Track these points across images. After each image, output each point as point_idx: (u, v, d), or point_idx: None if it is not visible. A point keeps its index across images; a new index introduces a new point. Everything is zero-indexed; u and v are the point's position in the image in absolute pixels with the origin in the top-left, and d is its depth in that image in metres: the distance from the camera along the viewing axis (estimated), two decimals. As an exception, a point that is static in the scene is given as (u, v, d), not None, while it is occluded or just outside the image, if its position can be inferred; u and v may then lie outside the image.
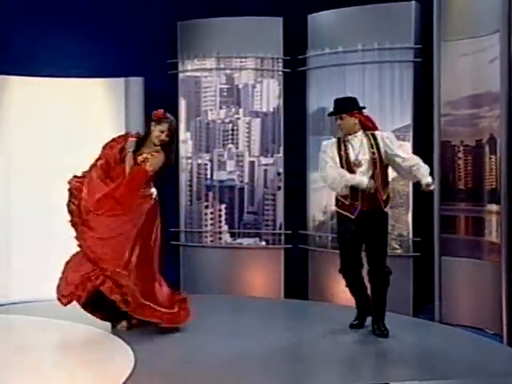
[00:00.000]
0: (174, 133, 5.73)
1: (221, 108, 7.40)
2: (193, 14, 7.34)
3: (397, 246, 6.73)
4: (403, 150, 5.70)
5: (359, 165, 5.50)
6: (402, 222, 6.70)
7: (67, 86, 7.11)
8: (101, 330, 5.61)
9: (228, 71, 7.39)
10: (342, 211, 5.57)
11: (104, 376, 4.77)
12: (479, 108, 6.05)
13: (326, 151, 5.60)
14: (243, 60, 7.35)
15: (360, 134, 5.58)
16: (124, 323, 5.64)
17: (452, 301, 6.22)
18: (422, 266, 6.65)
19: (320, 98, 7.06)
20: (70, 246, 5.54)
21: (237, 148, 7.38)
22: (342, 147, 5.55)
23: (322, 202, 7.00)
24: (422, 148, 6.65)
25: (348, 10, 6.89)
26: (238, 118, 7.37)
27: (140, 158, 5.61)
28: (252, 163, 7.31)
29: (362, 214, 5.49)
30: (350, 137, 5.57)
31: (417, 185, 6.61)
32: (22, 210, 6.98)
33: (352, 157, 5.52)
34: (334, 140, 5.69)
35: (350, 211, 5.51)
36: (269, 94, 7.27)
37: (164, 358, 5.09)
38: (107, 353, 5.16)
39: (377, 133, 5.61)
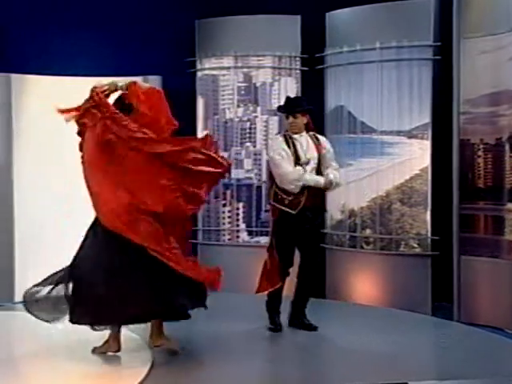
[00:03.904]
0: None
1: (238, 106, 7.40)
2: (211, 13, 7.34)
3: (415, 245, 6.69)
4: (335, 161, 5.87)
5: (308, 163, 5.66)
6: (420, 220, 6.66)
7: (85, 84, 7.09)
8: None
9: (246, 69, 7.38)
10: (282, 207, 5.64)
11: (121, 374, 4.78)
12: (498, 106, 6.01)
13: (277, 148, 5.69)
14: (261, 58, 7.34)
15: (304, 133, 5.75)
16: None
17: (471, 300, 6.18)
18: (441, 264, 6.61)
19: (338, 97, 7.05)
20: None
21: (254, 146, 7.38)
22: (291, 145, 5.69)
23: (339, 200, 6.97)
24: (441, 146, 6.62)
25: (366, 8, 6.87)
26: (256, 117, 7.37)
27: None
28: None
29: (304, 209, 5.61)
30: (296, 136, 5.72)
31: (435, 183, 6.61)
32: (28, 208, 6.95)
33: (301, 154, 5.66)
34: (280, 137, 5.81)
35: (291, 207, 5.61)
36: (286, 93, 7.22)
37: (181, 357, 5.08)
38: (124, 351, 5.16)
39: (318, 135, 5.84)
